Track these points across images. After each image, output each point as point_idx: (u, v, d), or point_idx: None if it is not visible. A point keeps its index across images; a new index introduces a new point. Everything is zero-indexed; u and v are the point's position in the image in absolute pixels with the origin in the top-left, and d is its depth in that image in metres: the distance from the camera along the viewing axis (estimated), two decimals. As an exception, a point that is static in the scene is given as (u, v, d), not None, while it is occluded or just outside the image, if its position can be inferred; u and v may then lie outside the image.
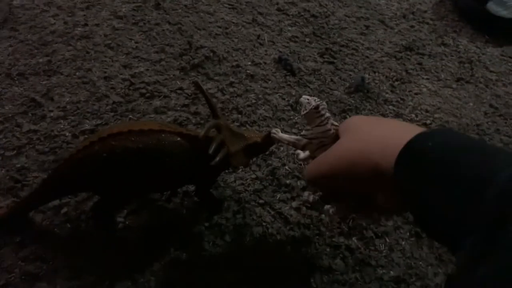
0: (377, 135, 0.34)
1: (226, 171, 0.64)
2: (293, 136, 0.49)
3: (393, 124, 0.37)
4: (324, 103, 0.45)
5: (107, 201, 0.53)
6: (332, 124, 0.45)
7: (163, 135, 0.48)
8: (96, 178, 0.49)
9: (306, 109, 0.45)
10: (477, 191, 0.25)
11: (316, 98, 0.45)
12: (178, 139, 0.49)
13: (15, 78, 0.69)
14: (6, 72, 0.69)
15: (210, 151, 0.46)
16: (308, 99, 0.45)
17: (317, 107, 0.44)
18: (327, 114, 0.45)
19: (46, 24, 0.79)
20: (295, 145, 0.48)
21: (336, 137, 0.44)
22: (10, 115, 0.64)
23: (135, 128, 0.47)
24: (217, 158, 0.47)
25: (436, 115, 0.82)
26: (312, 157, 0.47)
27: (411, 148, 0.30)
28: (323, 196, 0.48)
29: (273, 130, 0.51)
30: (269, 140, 0.55)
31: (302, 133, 0.48)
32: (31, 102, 0.67)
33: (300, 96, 0.76)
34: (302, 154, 0.48)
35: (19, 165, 0.59)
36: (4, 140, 0.61)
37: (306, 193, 0.52)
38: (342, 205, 0.45)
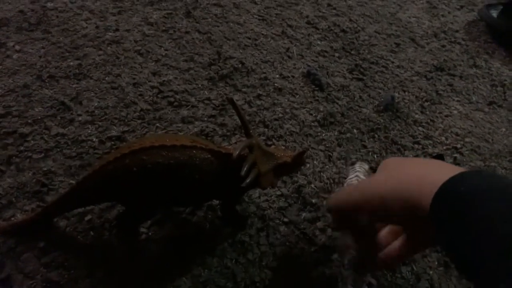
0: (412, 174, 0.35)
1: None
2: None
3: (429, 164, 0.38)
4: (365, 165, 0.53)
5: (133, 212, 0.53)
6: (358, 177, 0.52)
7: (194, 152, 0.47)
8: (125, 190, 0.48)
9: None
10: None
11: (358, 161, 0.56)
12: (209, 156, 0.48)
13: (46, 80, 0.69)
14: (38, 74, 0.70)
15: (242, 173, 0.45)
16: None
17: (353, 163, 0.54)
18: (358, 170, 0.52)
19: (78, 27, 0.79)
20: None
21: None
22: (39, 117, 0.64)
23: (167, 143, 0.46)
24: (248, 180, 0.46)
25: (467, 139, 0.79)
26: None
27: (445, 192, 0.30)
28: (336, 226, 0.52)
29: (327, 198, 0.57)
30: (300, 160, 0.54)
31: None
32: (61, 105, 0.67)
33: (329, 113, 0.75)
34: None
35: (46, 169, 0.59)
36: (32, 142, 0.61)
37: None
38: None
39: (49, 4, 0.82)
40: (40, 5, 0.82)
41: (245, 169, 0.46)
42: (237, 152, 0.46)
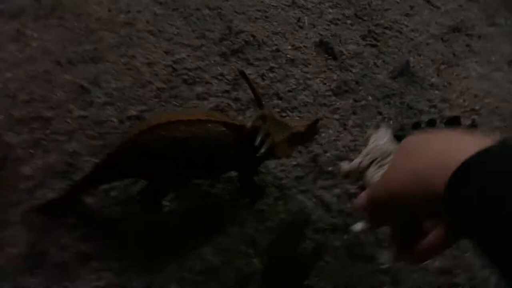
0: (431, 153, 0.30)
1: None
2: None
3: (451, 139, 0.31)
4: (389, 132, 0.46)
5: (155, 186, 0.55)
6: (389, 141, 0.45)
7: (209, 125, 0.49)
8: (145, 166, 0.51)
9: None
10: None
11: (386, 129, 0.47)
12: (224, 128, 0.50)
13: (65, 66, 0.72)
14: (56, 60, 0.72)
15: (256, 143, 0.47)
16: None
17: (377, 126, 0.47)
18: (385, 131, 0.46)
19: (91, 11, 0.80)
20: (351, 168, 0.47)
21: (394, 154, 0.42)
22: (61, 101, 0.67)
23: (183, 118, 0.48)
24: (263, 150, 0.47)
25: (485, 100, 0.78)
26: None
27: (465, 171, 0.26)
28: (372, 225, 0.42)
29: (342, 164, 0.49)
30: (313, 129, 0.55)
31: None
32: (80, 89, 0.69)
33: (343, 81, 0.75)
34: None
35: (71, 150, 0.62)
36: (56, 126, 0.64)
37: (355, 225, 0.47)
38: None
39: (61, -9, 0.84)
40: (53, -8, 0.83)
41: (259, 139, 0.48)
42: (250, 123, 0.47)
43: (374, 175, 0.45)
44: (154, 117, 0.52)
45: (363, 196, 0.37)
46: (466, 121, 0.73)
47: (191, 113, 0.50)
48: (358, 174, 0.46)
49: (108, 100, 0.68)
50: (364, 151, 0.47)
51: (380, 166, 0.45)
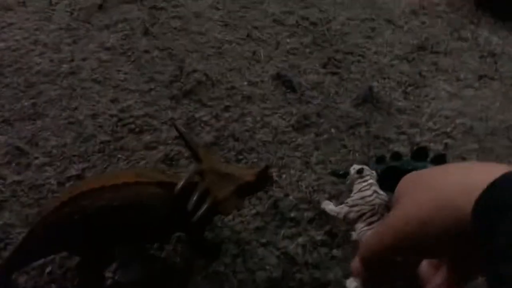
0: (454, 180, 0.26)
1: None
2: (338, 207, 0.51)
3: (469, 166, 0.28)
4: (373, 171, 0.49)
5: (92, 258, 0.49)
6: (376, 192, 0.46)
7: (139, 188, 0.43)
8: (71, 240, 0.44)
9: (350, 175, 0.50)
10: None
11: (364, 166, 0.50)
12: (157, 190, 0.44)
13: (0, 126, 0.66)
14: (-9, 121, 0.67)
15: (189, 207, 0.41)
16: (354, 167, 0.50)
17: (360, 170, 0.48)
18: (371, 181, 0.47)
19: (32, 64, 0.76)
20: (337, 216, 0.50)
21: (382, 209, 0.46)
22: (-7, 167, 0.61)
23: (107, 184, 0.42)
24: (199, 213, 0.41)
25: (458, 121, 0.73)
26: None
27: (496, 188, 0.22)
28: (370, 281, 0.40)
29: (324, 203, 0.54)
30: (265, 176, 0.49)
31: (344, 202, 0.50)
32: (16, 151, 0.63)
33: (303, 115, 0.70)
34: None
35: (1, 222, 0.56)
36: (-14, 195, 0.58)
37: (349, 281, 0.49)
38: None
39: (1, 44, 0.79)
40: (-9, 46, 0.79)
41: (193, 201, 0.42)
42: (180, 185, 0.41)
43: (363, 233, 0.46)
44: (77, 186, 0.46)
45: (356, 260, 0.32)
46: (438, 146, 0.68)
47: (118, 176, 0.44)
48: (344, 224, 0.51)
49: (47, 160, 0.62)
50: (350, 200, 0.49)
51: (369, 224, 0.46)
